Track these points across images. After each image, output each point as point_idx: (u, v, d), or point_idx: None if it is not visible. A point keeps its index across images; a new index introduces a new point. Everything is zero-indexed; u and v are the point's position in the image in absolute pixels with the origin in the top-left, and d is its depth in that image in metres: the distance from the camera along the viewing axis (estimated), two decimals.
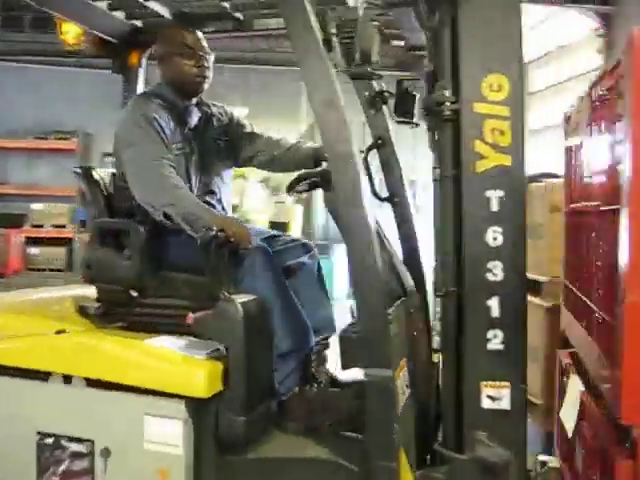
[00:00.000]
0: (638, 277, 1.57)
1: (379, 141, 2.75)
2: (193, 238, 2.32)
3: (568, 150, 2.52)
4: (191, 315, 2.10)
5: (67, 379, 2.13)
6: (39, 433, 2.13)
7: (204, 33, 2.71)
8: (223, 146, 2.67)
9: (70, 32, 2.81)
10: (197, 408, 2.00)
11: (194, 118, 2.59)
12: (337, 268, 6.99)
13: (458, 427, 1.98)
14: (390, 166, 2.73)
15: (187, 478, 1.98)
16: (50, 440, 2.12)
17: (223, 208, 2.64)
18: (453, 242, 1.99)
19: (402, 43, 6.96)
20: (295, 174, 2.78)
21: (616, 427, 1.72)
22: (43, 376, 2.15)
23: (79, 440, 2.09)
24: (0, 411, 2.18)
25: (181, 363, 2.03)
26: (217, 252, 2.09)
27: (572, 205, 2.49)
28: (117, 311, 2.36)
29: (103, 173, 2.63)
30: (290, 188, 2.60)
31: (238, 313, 2.04)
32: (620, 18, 6.11)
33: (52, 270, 8.96)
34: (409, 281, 2.42)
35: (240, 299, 2.10)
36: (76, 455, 2.09)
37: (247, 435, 2.03)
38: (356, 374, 2.52)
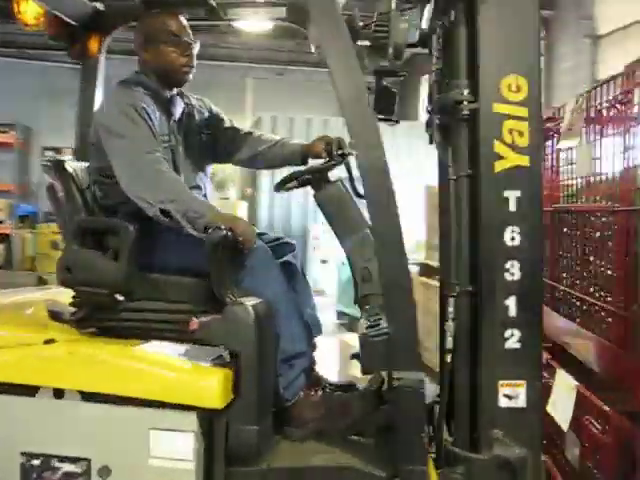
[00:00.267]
0: None
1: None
2: (186, 237, 2.19)
3: (558, 150, 2.57)
4: (195, 320, 1.98)
5: (58, 393, 1.94)
6: (24, 454, 1.93)
7: None
8: (205, 140, 2.54)
9: (28, 11, 2.57)
10: (209, 419, 1.88)
11: (178, 109, 2.44)
12: None
13: (473, 427, 1.98)
14: None
15: None
16: (37, 461, 1.93)
17: None
18: (469, 242, 1.99)
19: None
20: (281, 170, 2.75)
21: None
22: (29, 391, 1.95)
23: (73, 459, 1.91)
24: None
25: (192, 372, 1.90)
26: (224, 252, 1.98)
27: (565, 205, 2.52)
28: (99, 316, 2.18)
29: (76, 166, 2.42)
30: (280, 186, 2.54)
31: (250, 317, 1.94)
32: (558, 22, 6.41)
33: None
34: None
35: (248, 302, 1.99)
36: (69, 476, 1.91)
37: (259, 445, 1.94)
38: (347, 377, 2.50)
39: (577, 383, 2.21)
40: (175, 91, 2.45)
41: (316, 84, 10.20)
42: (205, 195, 2.48)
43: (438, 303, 2.17)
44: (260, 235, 2.56)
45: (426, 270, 5.47)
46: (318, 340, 2.46)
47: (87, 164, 2.50)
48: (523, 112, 1.91)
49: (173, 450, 1.86)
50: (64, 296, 2.56)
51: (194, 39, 2.41)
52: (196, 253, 2.18)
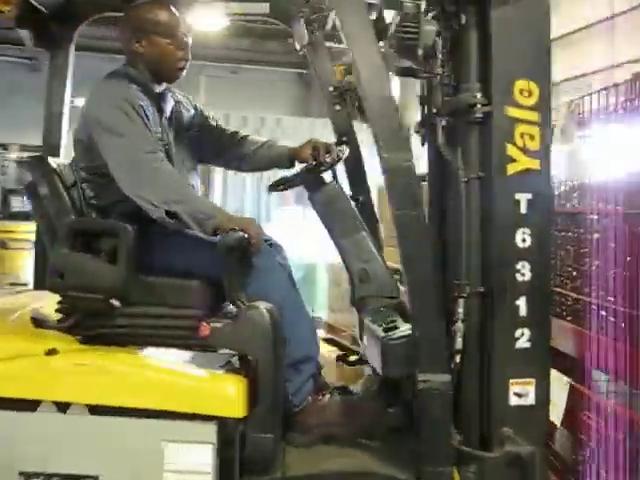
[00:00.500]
0: None
1: (343, 139, 2.70)
2: (184, 239, 2.11)
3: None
4: (206, 325, 1.90)
5: (62, 407, 1.81)
6: (22, 474, 1.79)
7: None
8: (192, 139, 2.44)
9: None
10: (226, 429, 1.81)
11: (169, 106, 2.34)
12: None
13: (484, 425, 2.01)
14: (354, 164, 2.69)
15: None
16: None
17: None
18: (480, 243, 2.01)
19: None
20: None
21: None
22: (28, 405, 1.80)
23: (78, 478, 1.79)
24: None
25: (210, 380, 1.83)
26: (237, 255, 1.91)
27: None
28: (93, 323, 2.05)
29: (59, 162, 2.27)
30: (274, 187, 2.49)
31: (266, 321, 1.88)
32: None
33: None
34: None
35: (261, 306, 1.94)
36: None
37: (274, 453, 1.89)
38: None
39: (569, 379, 2.28)
40: (164, 86, 2.34)
41: (270, 83, 10.11)
42: None
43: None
44: None
45: None
46: None
47: (67, 161, 2.37)
48: (534, 116, 1.96)
49: (190, 463, 1.79)
50: (39, 301, 2.42)
51: (188, 31, 2.31)
52: (194, 255, 2.11)
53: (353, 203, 2.43)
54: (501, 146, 1.95)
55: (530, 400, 2.00)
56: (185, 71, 2.32)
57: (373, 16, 1.94)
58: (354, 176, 2.69)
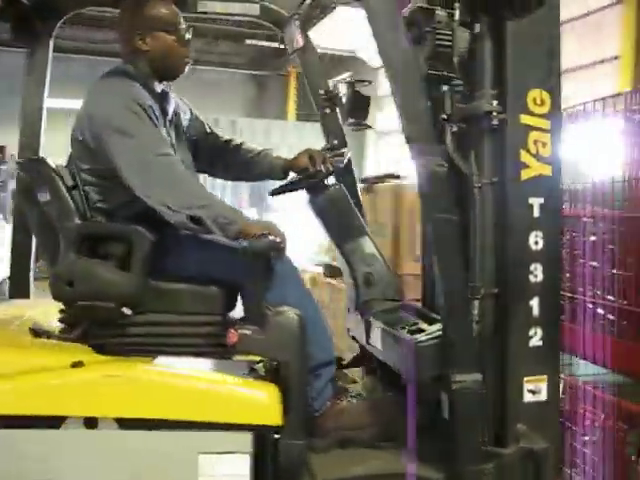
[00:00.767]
0: None
1: (334, 142, 2.71)
2: (195, 242, 2.06)
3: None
4: (234, 332, 1.86)
5: (90, 422, 1.72)
6: None
7: None
8: (190, 143, 2.38)
9: None
10: (263, 438, 1.78)
11: (171, 106, 2.27)
12: None
13: (498, 423, 2.07)
14: (344, 168, 2.70)
15: None
16: None
17: None
18: (494, 246, 2.07)
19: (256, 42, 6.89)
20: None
21: None
22: (53, 422, 1.70)
23: None
24: None
25: (247, 388, 1.79)
26: (264, 260, 1.89)
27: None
28: (103, 333, 1.96)
29: (56, 164, 2.15)
30: (276, 192, 2.47)
31: (295, 326, 1.87)
32: None
33: None
34: None
35: (287, 311, 1.92)
36: None
37: (305, 459, 1.87)
38: None
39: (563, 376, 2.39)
40: (163, 85, 2.27)
41: (224, 84, 9.90)
42: None
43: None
44: None
45: (331, 271, 5.52)
46: None
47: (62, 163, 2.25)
48: (546, 124, 2.04)
49: (225, 475, 1.75)
50: (27, 311, 2.29)
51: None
52: (207, 259, 2.07)
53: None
54: (515, 152, 2.03)
55: (543, 396, 2.07)
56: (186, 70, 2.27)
57: None
58: (344, 180, 2.70)
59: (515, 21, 1.99)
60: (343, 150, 2.55)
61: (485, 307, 2.07)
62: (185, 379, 1.81)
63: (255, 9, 2.71)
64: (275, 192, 2.46)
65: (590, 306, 2.24)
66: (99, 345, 1.94)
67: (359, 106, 2.67)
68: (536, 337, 2.06)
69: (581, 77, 6.22)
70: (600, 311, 2.20)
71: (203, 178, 2.67)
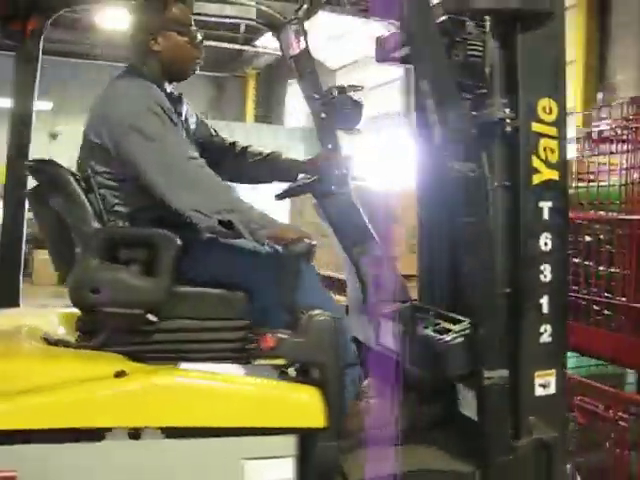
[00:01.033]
0: None
1: (329, 146, 2.73)
2: (220, 246, 2.05)
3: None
4: (270, 336, 1.87)
5: (134, 433, 1.68)
6: None
7: None
8: (198, 146, 2.34)
9: None
10: (307, 440, 1.79)
11: (184, 109, 2.24)
12: None
13: (513, 417, 2.17)
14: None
15: None
16: None
17: None
18: (507, 247, 2.17)
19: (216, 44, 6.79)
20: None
21: None
22: (94, 435, 1.65)
23: None
24: None
25: (292, 392, 1.80)
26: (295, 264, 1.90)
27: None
28: (127, 340, 1.91)
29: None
30: (282, 196, 2.47)
31: (332, 329, 1.89)
32: None
33: None
34: None
35: (321, 314, 1.94)
36: None
37: (341, 461, 1.90)
38: None
39: None
40: (172, 86, 2.24)
41: (184, 85, 9.57)
42: None
43: None
44: None
45: None
46: None
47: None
48: (554, 131, 2.15)
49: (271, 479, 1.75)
50: (27, 320, 2.21)
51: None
52: (231, 263, 2.07)
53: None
54: (527, 158, 2.13)
55: (552, 389, 2.19)
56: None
57: None
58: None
59: (526, 34, 2.10)
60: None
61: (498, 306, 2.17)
62: (230, 385, 1.80)
63: (251, 12, 2.70)
64: (282, 195, 2.47)
65: (583, 302, 2.37)
66: (126, 353, 1.90)
67: (352, 111, 2.72)
68: (546, 334, 2.17)
69: None
70: (595, 307, 2.34)
71: None
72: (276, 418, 1.77)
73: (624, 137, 2.33)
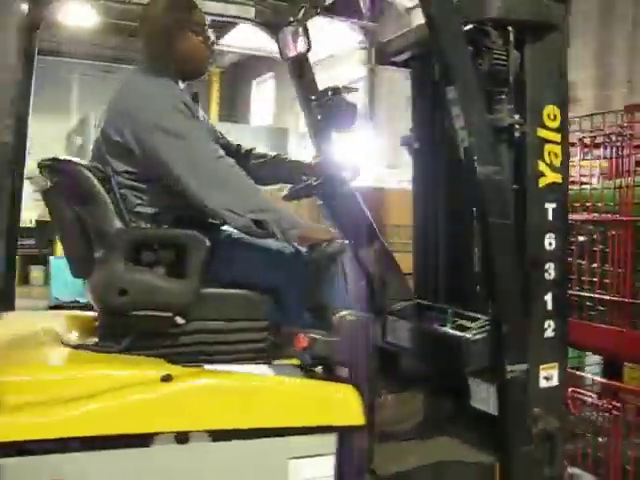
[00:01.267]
0: None
1: (329, 148, 2.76)
2: (245, 247, 2.05)
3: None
4: (303, 336, 1.88)
5: (182, 437, 1.66)
6: None
7: None
8: None
9: None
10: (346, 438, 1.82)
11: (199, 108, 2.20)
12: None
13: None
14: None
15: None
16: None
17: None
18: (516, 248, 2.27)
19: None
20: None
21: None
22: (141, 440, 1.62)
23: None
24: None
25: (334, 391, 1.83)
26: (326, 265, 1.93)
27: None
28: (156, 343, 1.89)
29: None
30: (288, 197, 2.47)
31: (365, 329, 1.93)
32: (381, 34, 7.16)
33: None
34: None
35: (350, 314, 1.97)
36: None
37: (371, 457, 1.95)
38: None
39: None
40: (184, 85, 2.21)
41: None
42: None
43: None
44: None
45: None
46: None
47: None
48: (557, 137, 2.27)
49: (314, 477, 1.77)
50: (35, 322, 2.14)
51: None
52: (257, 263, 2.08)
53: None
54: (534, 163, 2.24)
55: (554, 382, 2.31)
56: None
57: None
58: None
59: (533, 44, 2.21)
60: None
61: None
62: (274, 385, 1.81)
63: (250, 12, 2.70)
64: (289, 196, 2.48)
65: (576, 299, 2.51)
66: (152, 356, 1.87)
67: (346, 112, 2.76)
68: (550, 329, 2.29)
69: None
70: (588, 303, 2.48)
71: None
72: (320, 416, 1.79)
73: (618, 144, 2.49)
